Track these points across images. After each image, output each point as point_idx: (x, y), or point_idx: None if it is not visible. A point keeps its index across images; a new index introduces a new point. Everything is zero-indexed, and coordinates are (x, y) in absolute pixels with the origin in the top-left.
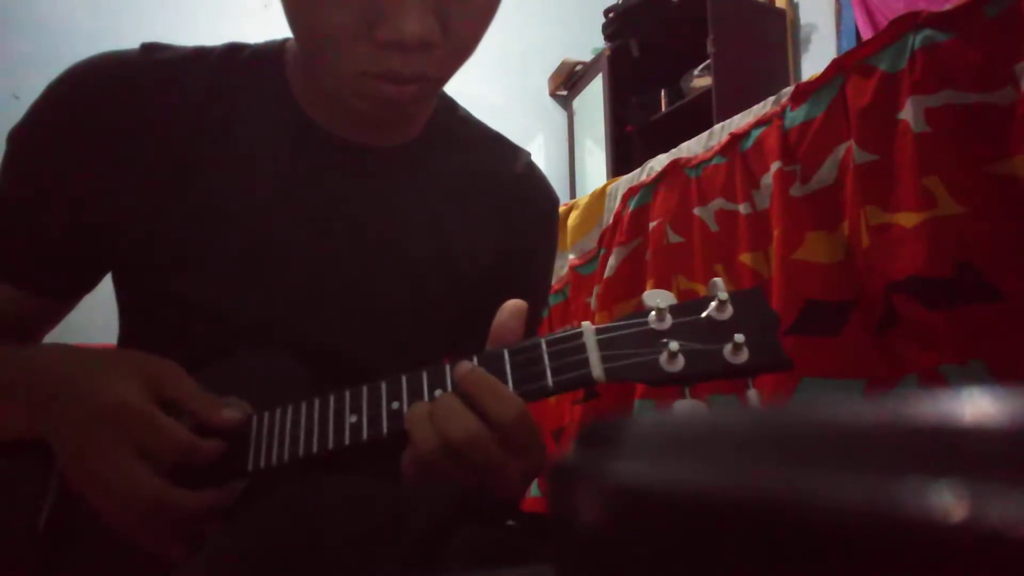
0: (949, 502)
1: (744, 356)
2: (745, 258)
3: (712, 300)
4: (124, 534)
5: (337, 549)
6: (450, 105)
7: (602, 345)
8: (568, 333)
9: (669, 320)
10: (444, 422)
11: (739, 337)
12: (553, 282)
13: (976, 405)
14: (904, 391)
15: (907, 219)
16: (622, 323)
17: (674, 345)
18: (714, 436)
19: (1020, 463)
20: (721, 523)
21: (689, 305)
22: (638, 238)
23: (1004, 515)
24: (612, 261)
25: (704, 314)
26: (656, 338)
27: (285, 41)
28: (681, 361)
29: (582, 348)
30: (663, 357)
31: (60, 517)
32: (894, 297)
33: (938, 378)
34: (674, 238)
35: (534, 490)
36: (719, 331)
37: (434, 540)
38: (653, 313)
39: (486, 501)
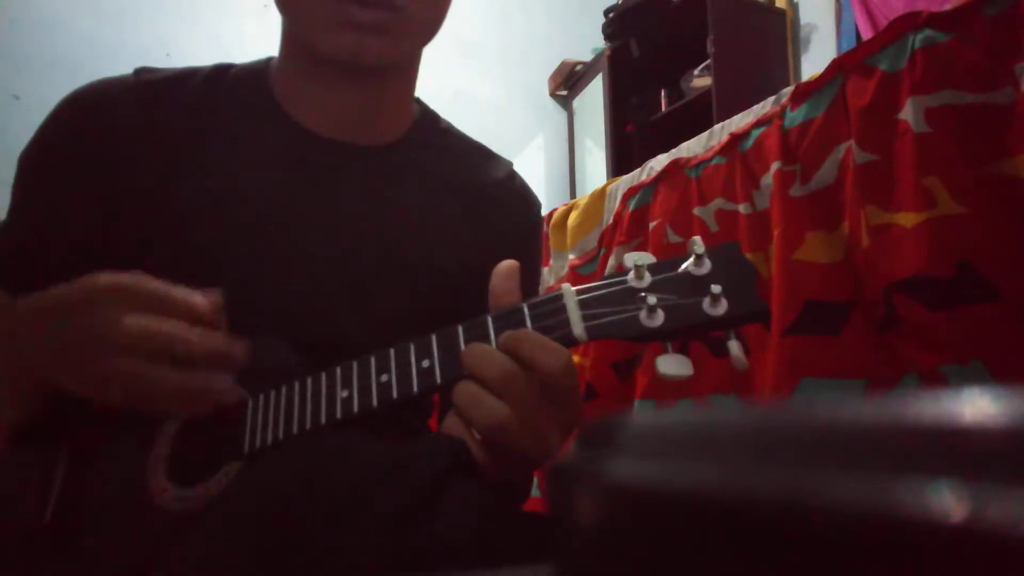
0: (949, 502)
1: (723, 307)
2: None
3: (689, 256)
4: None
5: (332, 497)
6: (432, 116)
7: (583, 305)
8: (549, 296)
9: (648, 278)
10: (477, 364)
11: (716, 288)
12: (552, 283)
13: (976, 405)
14: (904, 391)
15: (907, 219)
16: (602, 282)
17: (652, 299)
18: (714, 436)
19: (1020, 463)
20: (721, 523)
21: (667, 262)
22: (638, 238)
23: (1004, 515)
24: (612, 261)
25: (681, 268)
26: (635, 295)
27: (269, 59)
28: (661, 316)
29: (563, 309)
30: (643, 313)
31: (66, 508)
32: (894, 297)
33: (938, 378)
34: (674, 238)
35: (534, 490)
36: (697, 285)
37: (430, 491)
38: (632, 271)
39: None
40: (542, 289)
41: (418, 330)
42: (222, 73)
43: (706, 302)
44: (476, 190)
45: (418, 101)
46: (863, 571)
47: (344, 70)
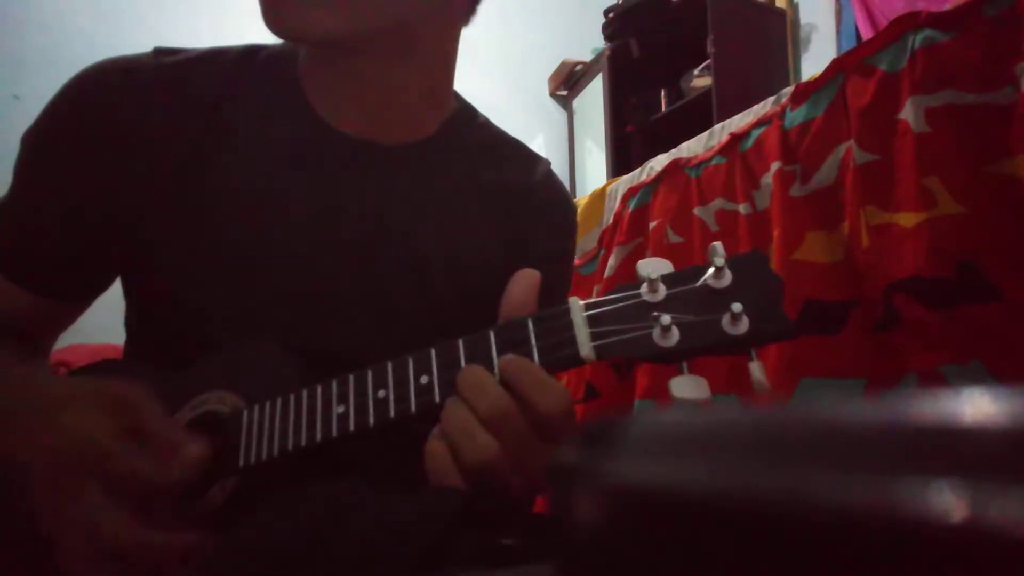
0: (949, 502)
1: (744, 326)
2: None
3: (709, 267)
4: None
5: (335, 556)
6: (469, 110)
7: (591, 321)
8: (556, 310)
9: (663, 291)
10: (472, 397)
11: (737, 306)
12: None
13: (976, 405)
14: (904, 391)
15: (907, 219)
16: (613, 296)
17: (666, 318)
18: (714, 436)
19: (1020, 463)
20: (721, 523)
21: (684, 274)
22: (638, 238)
23: (1004, 515)
24: (612, 261)
25: (700, 282)
26: (649, 311)
27: None
28: (676, 335)
29: (570, 325)
30: (656, 332)
31: None
32: (894, 297)
33: (938, 378)
34: (674, 238)
35: None
36: (717, 300)
37: (435, 548)
38: (645, 284)
39: (491, 507)
40: None
41: (432, 330)
42: (252, 55)
43: (725, 320)
44: (508, 191)
45: (456, 96)
46: (863, 571)
47: (324, 51)
